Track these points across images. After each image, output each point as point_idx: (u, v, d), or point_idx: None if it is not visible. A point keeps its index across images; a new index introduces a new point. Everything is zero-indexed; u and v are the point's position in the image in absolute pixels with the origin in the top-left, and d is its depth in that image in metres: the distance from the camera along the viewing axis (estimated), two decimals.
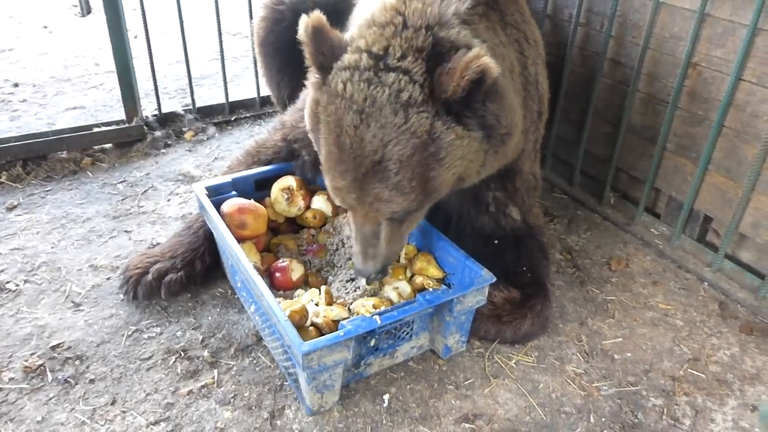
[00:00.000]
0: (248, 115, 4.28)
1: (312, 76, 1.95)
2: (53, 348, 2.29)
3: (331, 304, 2.24)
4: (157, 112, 3.96)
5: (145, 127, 3.80)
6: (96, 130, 3.65)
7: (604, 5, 3.12)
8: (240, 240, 2.37)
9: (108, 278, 2.66)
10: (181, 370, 2.23)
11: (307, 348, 1.83)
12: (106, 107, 4.27)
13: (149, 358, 2.28)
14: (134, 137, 3.76)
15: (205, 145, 3.87)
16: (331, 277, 2.54)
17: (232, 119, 4.21)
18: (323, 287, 2.31)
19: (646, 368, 2.35)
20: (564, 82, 3.38)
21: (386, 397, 2.16)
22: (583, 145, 3.36)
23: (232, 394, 2.15)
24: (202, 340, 2.36)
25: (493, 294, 2.36)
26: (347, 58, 1.83)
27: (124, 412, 2.07)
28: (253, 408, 2.10)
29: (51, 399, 2.10)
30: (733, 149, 2.67)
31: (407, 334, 2.21)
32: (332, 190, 1.99)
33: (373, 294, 2.36)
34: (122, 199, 3.25)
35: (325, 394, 2.03)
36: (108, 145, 3.71)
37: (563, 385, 2.26)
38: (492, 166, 2.14)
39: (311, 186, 2.76)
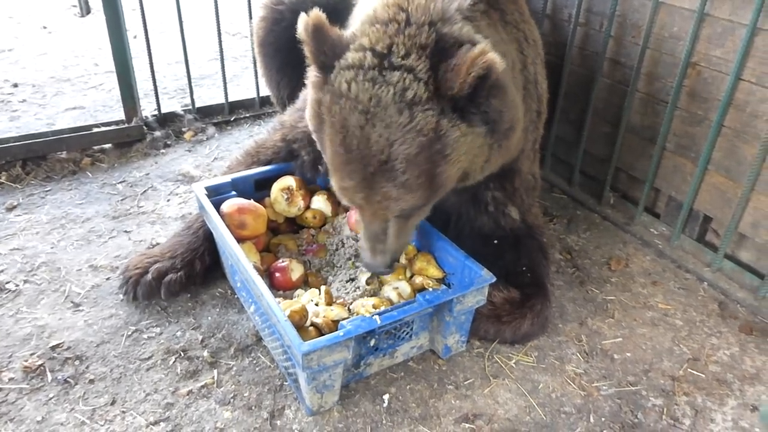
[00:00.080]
0: (248, 115, 4.28)
1: (312, 76, 1.94)
2: (53, 348, 2.29)
3: (330, 304, 2.24)
4: (156, 113, 3.96)
5: (144, 127, 3.80)
6: (95, 130, 3.65)
7: (603, 5, 3.12)
8: (240, 240, 2.37)
9: (108, 278, 2.66)
10: (180, 370, 2.23)
11: (306, 348, 1.83)
12: (105, 107, 4.27)
13: (149, 358, 2.28)
14: (134, 137, 3.76)
15: (205, 145, 3.87)
16: (330, 277, 2.54)
17: (232, 119, 4.21)
18: (323, 287, 2.31)
19: (646, 368, 2.35)
20: (563, 81, 3.38)
21: (386, 397, 2.16)
22: (582, 145, 3.37)
23: (232, 394, 2.15)
24: (202, 340, 2.36)
25: (492, 294, 2.36)
26: (350, 56, 1.82)
27: (123, 412, 2.07)
28: (253, 408, 2.10)
29: (51, 399, 2.10)
30: (732, 149, 2.67)
31: (407, 334, 2.21)
32: (339, 190, 1.99)
33: (373, 294, 2.36)
34: (122, 200, 3.25)
35: (324, 394, 2.03)
36: (107, 146, 3.71)
37: (563, 385, 2.26)
38: (496, 162, 2.13)
39: (311, 186, 2.76)
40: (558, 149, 3.62)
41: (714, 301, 2.70)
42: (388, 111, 1.76)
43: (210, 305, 2.54)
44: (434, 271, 2.37)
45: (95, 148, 3.67)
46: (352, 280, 2.48)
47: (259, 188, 2.73)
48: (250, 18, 3.74)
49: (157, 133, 3.83)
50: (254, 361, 2.28)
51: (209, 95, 4.52)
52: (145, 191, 3.34)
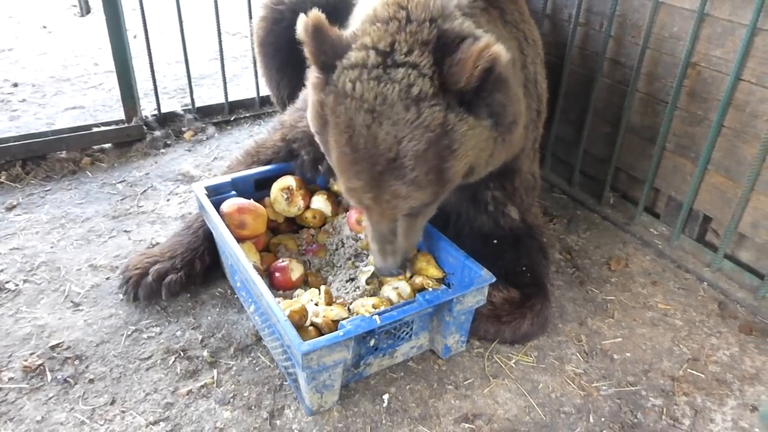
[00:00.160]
0: (248, 114, 4.28)
1: (313, 77, 1.93)
2: (53, 348, 2.29)
3: (330, 304, 2.24)
4: (156, 112, 3.96)
5: (144, 126, 3.80)
6: (95, 130, 3.65)
7: (603, 5, 3.12)
8: (239, 240, 2.37)
9: (107, 278, 2.66)
10: (180, 369, 2.23)
11: (306, 348, 1.83)
12: (105, 107, 4.27)
13: (149, 357, 2.28)
14: (134, 137, 3.75)
15: (205, 145, 3.87)
16: (330, 277, 2.54)
17: (232, 119, 4.21)
18: (323, 287, 2.31)
19: (646, 368, 2.35)
20: (563, 81, 3.38)
21: (386, 397, 2.16)
22: (582, 145, 3.37)
23: (232, 394, 2.15)
24: (202, 340, 2.36)
25: (492, 294, 2.36)
26: (353, 55, 1.81)
27: (123, 411, 2.07)
28: (253, 408, 2.10)
29: (50, 399, 2.10)
30: (732, 149, 2.67)
31: (407, 334, 2.21)
32: (347, 192, 1.97)
33: (373, 294, 2.36)
34: (122, 199, 3.25)
35: (324, 393, 2.03)
36: (107, 145, 3.71)
37: (563, 385, 2.26)
38: (499, 157, 2.13)
39: (311, 186, 2.76)
40: (558, 149, 3.62)
41: (714, 301, 2.70)
42: (394, 108, 1.75)
43: (210, 305, 2.53)
44: (434, 271, 2.37)
45: (95, 147, 3.67)
46: (352, 279, 2.48)
47: (259, 188, 2.72)
48: (250, 18, 3.74)
49: (157, 133, 3.83)
50: (254, 361, 2.28)
51: (209, 95, 4.52)
52: (144, 191, 3.34)
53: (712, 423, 2.13)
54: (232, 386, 2.18)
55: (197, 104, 4.13)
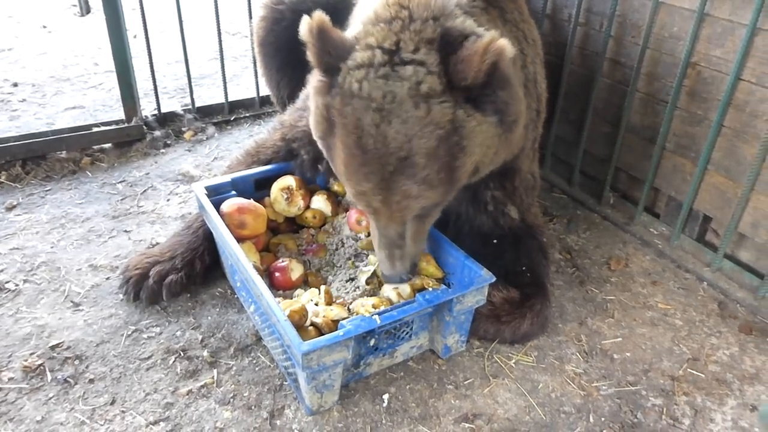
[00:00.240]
0: (248, 114, 4.27)
1: (316, 81, 1.91)
2: (53, 348, 2.29)
3: (330, 304, 2.24)
4: (156, 112, 3.96)
5: (144, 126, 3.80)
6: (95, 129, 3.65)
7: (603, 5, 3.12)
8: (239, 240, 2.37)
9: (107, 278, 2.66)
10: (180, 369, 2.23)
11: (306, 348, 1.83)
12: (105, 107, 4.27)
13: (149, 357, 2.28)
14: (133, 137, 3.75)
15: (205, 145, 3.87)
16: (330, 277, 2.54)
17: (232, 119, 4.21)
18: (323, 287, 2.31)
19: (646, 368, 2.35)
20: (563, 81, 3.38)
21: (386, 396, 2.16)
22: (582, 145, 3.37)
23: (232, 394, 2.15)
24: (202, 340, 2.36)
25: (492, 294, 2.36)
26: (358, 56, 1.80)
27: (123, 411, 2.07)
28: (253, 408, 2.10)
29: (50, 399, 2.10)
30: (732, 149, 2.67)
31: (407, 333, 2.21)
32: (356, 195, 1.95)
33: (373, 294, 2.36)
34: (122, 199, 3.25)
35: (324, 393, 2.03)
36: (107, 145, 3.71)
37: (563, 384, 2.26)
38: (500, 156, 2.12)
39: (311, 186, 2.76)
40: (558, 149, 3.62)
41: (714, 301, 2.70)
42: (404, 106, 1.74)
43: (210, 305, 2.54)
44: (434, 271, 2.37)
45: (95, 147, 3.67)
46: (352, 279, 2.48)
47: (258, 188, 2.72)
48: (250, 17, 3.74)
49: (157, 133, 3.83)
50: (254, 361, 2.28)
51: (209, 95, 4.52)
52: (144, 191, 3.34)
53: (712, 423, 2.13)
54: (232, 386, 2.18)
55: (197, 104, 4.13)
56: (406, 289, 2.30)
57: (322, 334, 2.01)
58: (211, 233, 2.58)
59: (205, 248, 2.61)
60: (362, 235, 2.60)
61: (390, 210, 1.93)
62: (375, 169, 1.82)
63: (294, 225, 2.78)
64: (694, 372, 2.33)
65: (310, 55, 1.84)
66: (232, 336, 2.38)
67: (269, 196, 2.70)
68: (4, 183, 3.31)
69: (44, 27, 5.90)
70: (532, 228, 2.65)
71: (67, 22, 6.10)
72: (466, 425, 2.07)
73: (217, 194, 2.57)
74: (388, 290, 2.33)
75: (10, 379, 2.16)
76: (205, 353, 2.29)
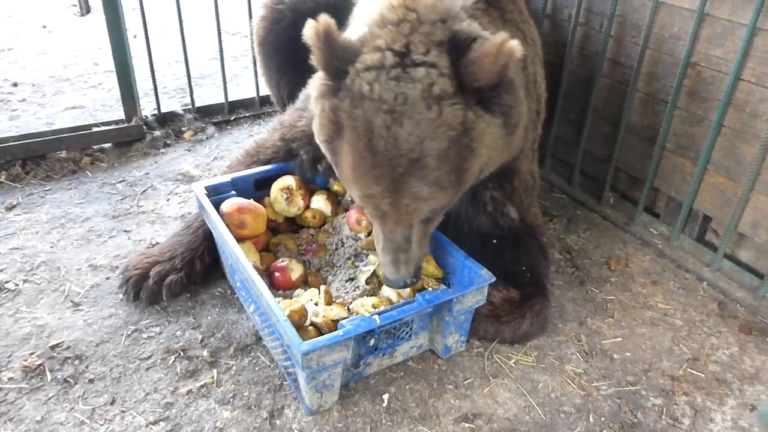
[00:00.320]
0: (247, 114, 4.27)
1: (321, 84, 1.89)
2: (52, 348, 2.29)
3: (330, 304, 2.24)
4: (156, 112, 3.96)
5: (144, 126, 3.80)
6: (95, 129, 3.65)
7: (603, 5, 3.12)
8: (239, 240, 2.37)
9: (107, 278, 2.66)
10: (180, 369, 2.23)
11: (306, 348, 1.83)
12: (105, 107, 4.27)
13: (148, 357, 2.28)
14: (133, 137, 3.75)
15: (205, 145, 3.87)
16: (330, 277, 2.54)
17: (232, 119, 4.21)
18: (322, 287, 2.31)
19: (646, 368, 2.35)
20: (563, 81, 3.38)
21: (386, 396, 2.16)
22: (582, 145, 3.37)
23: (232, 394, 2.15)
24: (202, 340, 2.36)
25: (492, 294, 2.36)
26: (368, 58, 1.79)
27: (123, 411, 2.07)
28: (253, 408, 2.10)
29: (50, 399, 2.10)
30: (732, 149, 2.67)
31: (406, 333, 2.21)
32: (364, 199, 1.92)
33: (373, 293, 2.36)
34: (121, 199, 3.25)
35: (324, 393, 2.03)
36: (107, 145, 3.71)
37: (563, 384, 2.26)
38: (502, 157, 2.13)
39: (310, 185, 2.76)
40: (558, 149, 3.62)
41: (713, 301, 2.70)
42: (416, 107, 1.74)
43: (210, 305, 2.53)
44: (434, 271, 2.37)
45: (95, 147, 3.67)
46: (352, 279, 2.48)
47: (258, 188, 2.72)
48: (250, 17, 3.74)
49: (157, 133, 3.83)
50: (254, 361, 2.28)
51: (209, 95, 4.52)
52: (144, 191, 3.34)
53: (712, 422, 2.13)
54: (232, 386, 2.18)
55: (197, 104, 4.13)
56: (405, 289, 2.30)
57: (322, 334, 2.01)
58: (210, 233, 2.58)
59: (205, 248, 2.61)
60: (362, 235, 2.60)
61: (398, 213, 1.92)
62: (385, 171, 1.81)
63: (294, 225, 2.78)
64: (694, 372, 2.33)
65: (316, 59, 1.82)
66: (231, 336, 2.38)
67: (269, 196, 2.70)
68: (4, 183, 3.31)
69: (44, 27, 5.90)
70: (532, 228, 2.65)
71: (67, 22, 6.10)
72: (466, 425, 2.07)
73: (216, 194, 2.57)
74: (388, 290, 2.33)
75: (10, 379, 2.16)
76: (205, 353, 2.29)
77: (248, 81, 4.56)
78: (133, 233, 2.97)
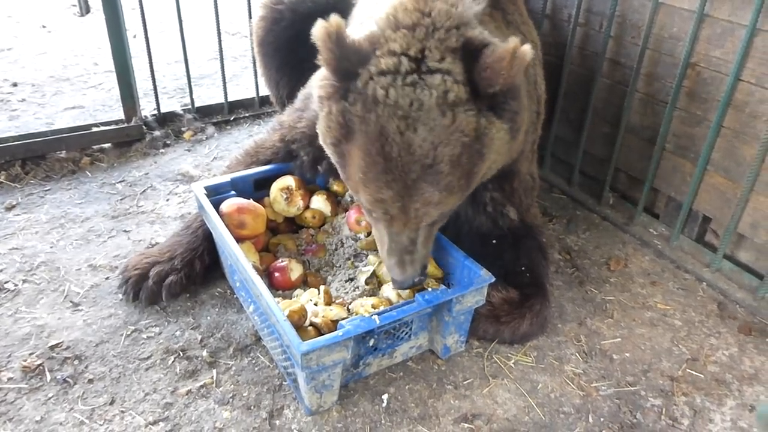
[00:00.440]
0: (247, 114, 4.27)
1: (328, 86, 1.87)
2: (52, 348, 2.29)
3: (330, 304, 2.24)
4: (156, 112, 3.96)
5: (144, 126, 3.80)
6: (95, 129, 3.65)
7: (603, 5, 3.12)
8: (239, 240, 2.37)
9: (107, 278, 2.66)
10: (179, 370, 2.23)
11: (305, 348, 1.83)
12: (105, 107, 4.27)
13: (148, 357, 2.28)
14: (133, 137, 3.75)
15: (204, 145, 3.87)
16: (330, 277, 2.54)
17: (231, 119, 4.20)
18: (322, 287, 2.31)
19: (645, 368, 2.35)
20: (563, 82, 3.38)
21: (385, 397, 2.16)
22: (582, 145, 3.37)
23: (231, 394, 2.15)
24: (201, 340, 2.36)
25: (491, 294, 2.36)
26: (383, 62, 1.78)
27: (122, 411, 2.07)
28: (252, 408, 2.10)
29: (50, 399, 2.10)
30: (731, 150, 2.67)
31: (406, 334, 2.21)
32: (374, 203, 1.92)
33: (372, 294, 2.36)
34: (121, 199, 3.25)
35: (323, 394, 2.03)
36: (107, 145, 3.70)
37: (562, 385, 2.26)
38: (504, 160, 2.14)
39: (310, 186, 2.76)
40: (557, 149, 3.62)
41: (713, 302, 2.70)
42: (431, 114, 1.75)
43: (209, 305, 2.53)
44: (433, 271, 2.37)
45: (94, 147, 3.67)
46: (352, 279, 2.48)
47: (258, 188, 2.72)
48: (250, 17, 3.74)
49: (157, 133, 3.83)
50: (253, 361, 2.28)
51: (209, 95, 4.52)
52: (144, 191, 3.34)
53: (711, 423, 2.14)
54: (232, 386, 2.18)
55: (197, 104, 4.13)
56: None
57: (322, 334, 2.01)
58: (210, 233, 2.58)
59: (205, 248, 2.61)
60: (362, 235, 2.60)
61: (407, 217, 1.93)
62: (397, 176, 1.81)
63: (293, 225, 2.78)
64: (694, 372, 2.33)
65: (325, 60, 1.78)
66: (231, 336, 2.38)
67: (268, 196, 2.70)
68: (4, 183, 3.31)
69: (44, 27, 5.90)
70: (532, 228, 2.65)
71: (67, 22, 6.10)
72: (466, 425, 2.08)
73: (216, 194, 2.57)
74: (388, 290, 2.33)
75: (10, 379, 2.16)
76: (205, 353, 2.29)
77: (248, 81, 4.56)
78: (133, 233, 2.97)
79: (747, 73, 2.53)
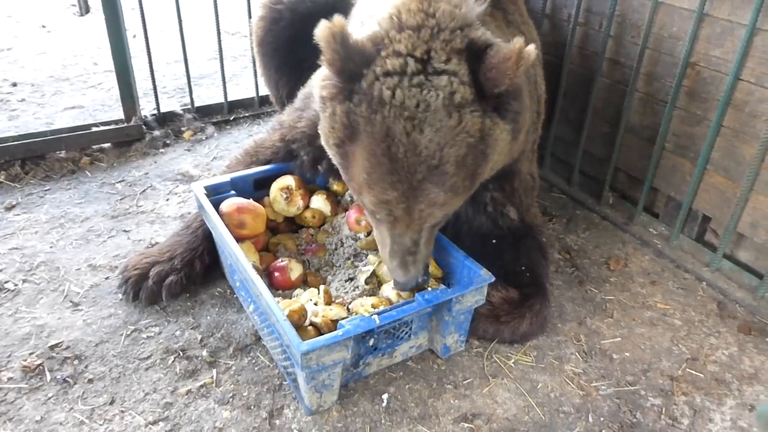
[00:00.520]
0: (247, 114, 4.27)
1: (331, 85, 1.86)
2: (52, 348, 2.29)
3: (329, 304, 2.24)
4: (155, 112, 3.96)
5: (143, 126, 3.80)
6: (94, 129, 3.65)
7: (602, 5, 3.12)
8: (239, 239, 2.37)
9: (107, 278, 2.66)
10: (179, 369, 2.23)
11: (305, 348, 1.83)
12: (104, 107, 4.27)
13: (148, 357, 2.28)
14: (133, 137, 3.75)
15: (204, 145, 3.87)
16: (330, 277, 2.54)
17: (231, 119, 4.20)
18: (322, 287, 2.31)
19: (645, 368, 2.35)
20: (563, 81, 3.38)
21: (385, 396, 2.16)
22: (582, 145, 3.37)
23: (231, 394, 2.15)
24: (201, 340, 2.36)
25: (491, 294, 2.36)
26: (390, 63, 1.77)
27: (122, 411, 2.07)
28: (252, 408, 2.10)
29: (50, 399, 2.10)
30: (731, 149, 2.67)
31: (406, 333, 2.21)
32: (378, 204, 1.91)
33: (372, 293, 2.36)
34: (121, 199, 3.25)
35: (323, 393, 2.03)
36: (107, 145, 3.70)
37: (562, 384, 2.26)
38: (505, 160, 2.15)
39: (310, 185, 2.76)
40: (557, 149, 3.62)
41: (713, 301, 2.70)
42: (437, 115, 1.75)
43: (209, 305, 2.53)
44: (433, 271, 2.37)
45: (94, 147, 3.67)
46: (351, 279, 2.48)
47: (258, 188, 2.72)
48: (249, 17, 3.74)
49: (157, 133, 3.83)
50: (253, 361, 2.28)
51: (208, 94, 4.52)
52: (144, 191, 3.34)
53: (711, 422, 2.14)
54: (232, 386, 2.18)
55: (196, 104, 4.13)
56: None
57: (322, 334, 2.01)
58: (210, 233, 2.58)
59: (205, 248, 2.61)
60: (361, 235, 2.60)
61: (411, 218, 1.92)
62: (403, 177, 1.81)
63: (293, 225, 2.78)
64: (693, 372, 2.33)
65: (329, 60, 1.76)
66: (231, 336, 2.38)
67: (268, 195, 2.70)
68: (4, 183, 3.31)
69: (43, 27, 5.90)
70: (532, 228, 2.65)
71: (67, 22, 6.10)
72: (466, 425, 2.08)
73: (216, 194, 2.57)
74: (388, 290, 2.33)
75: (10, 378, 2.16)
76: (205, 353, 2.29)
77: (248, 81, 4.56)
78: (133, 233, 2.97)
79: (747, 73, 2.53)
